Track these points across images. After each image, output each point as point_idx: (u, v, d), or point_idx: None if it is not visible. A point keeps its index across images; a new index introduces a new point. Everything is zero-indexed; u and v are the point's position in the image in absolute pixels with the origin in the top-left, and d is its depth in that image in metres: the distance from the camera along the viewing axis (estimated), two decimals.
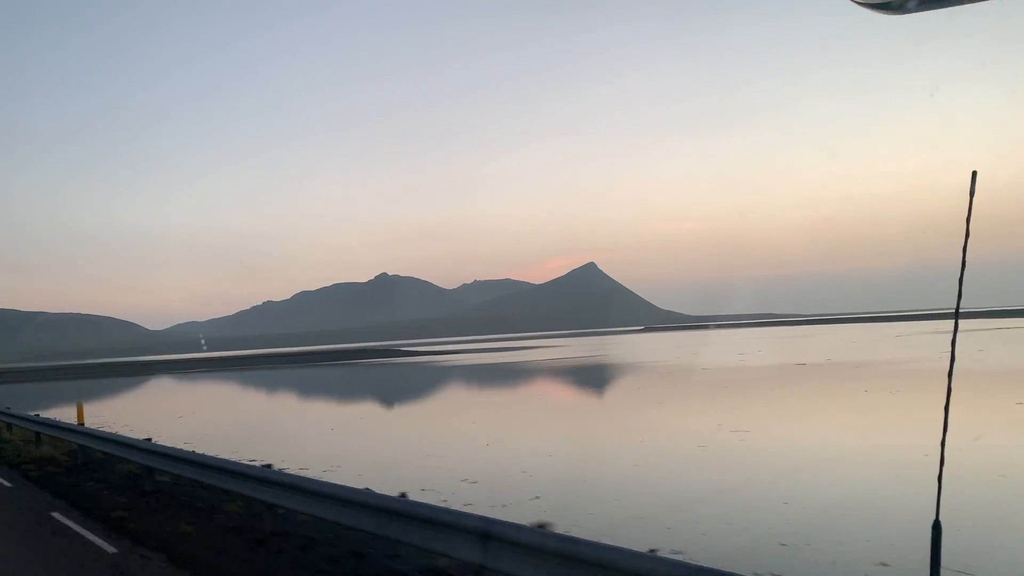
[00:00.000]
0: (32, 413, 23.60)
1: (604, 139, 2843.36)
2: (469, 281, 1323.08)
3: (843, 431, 24.28)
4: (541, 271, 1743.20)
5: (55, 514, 12.76)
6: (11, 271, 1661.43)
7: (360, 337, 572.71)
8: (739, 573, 4.84)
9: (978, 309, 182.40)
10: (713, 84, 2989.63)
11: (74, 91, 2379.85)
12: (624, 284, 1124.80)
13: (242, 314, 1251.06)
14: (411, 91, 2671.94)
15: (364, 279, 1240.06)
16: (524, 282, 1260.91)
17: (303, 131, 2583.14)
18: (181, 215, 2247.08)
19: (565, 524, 9.17)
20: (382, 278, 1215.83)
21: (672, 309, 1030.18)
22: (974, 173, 2.56)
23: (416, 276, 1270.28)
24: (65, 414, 26.65)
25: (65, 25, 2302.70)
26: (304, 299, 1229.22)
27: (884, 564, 10.22)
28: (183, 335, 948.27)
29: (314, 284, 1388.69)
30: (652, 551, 5.82)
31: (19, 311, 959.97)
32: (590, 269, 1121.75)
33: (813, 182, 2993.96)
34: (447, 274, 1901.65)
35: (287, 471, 11.45)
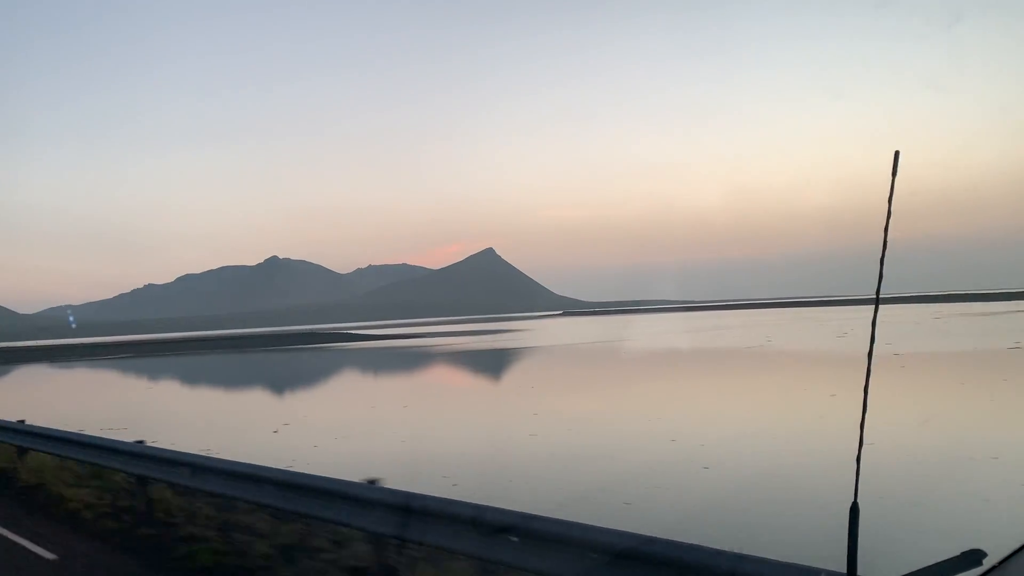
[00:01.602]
0: None
1: (500, 125, 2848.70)
2: (364, 266, 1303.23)
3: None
4: (437, 256, 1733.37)
5: None
6: None
7: (250, 323, 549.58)
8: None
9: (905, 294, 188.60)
10: (607, 69, 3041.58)
11: None
12: (521, 270, 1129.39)
13: (122, 297, 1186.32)
14: (304, 68, 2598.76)
15: (253, 262, 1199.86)
16: (421, 267, 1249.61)
17: (190, 107, 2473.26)
18: (52, 191, 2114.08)
19: None
20: (272, 261, 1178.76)
21: (568, 295, 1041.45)
22: (896, 153, 2.50)
23: (308, 260, 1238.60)
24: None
25: None
26: (188, 282, 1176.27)
27: None
28: (56, 318, 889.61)
29: (199, 267, 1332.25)
30: None
31: None
32: (488, 255, 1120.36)
33: (717, 171, 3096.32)
34: (341, 258, 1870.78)
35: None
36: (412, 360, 67.74)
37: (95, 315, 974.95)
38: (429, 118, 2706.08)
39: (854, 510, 2.83)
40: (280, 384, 49.99)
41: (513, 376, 47.64)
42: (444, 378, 49.89)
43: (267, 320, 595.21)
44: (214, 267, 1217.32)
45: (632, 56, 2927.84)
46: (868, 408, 2.64)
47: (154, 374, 65.08)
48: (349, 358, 75.79)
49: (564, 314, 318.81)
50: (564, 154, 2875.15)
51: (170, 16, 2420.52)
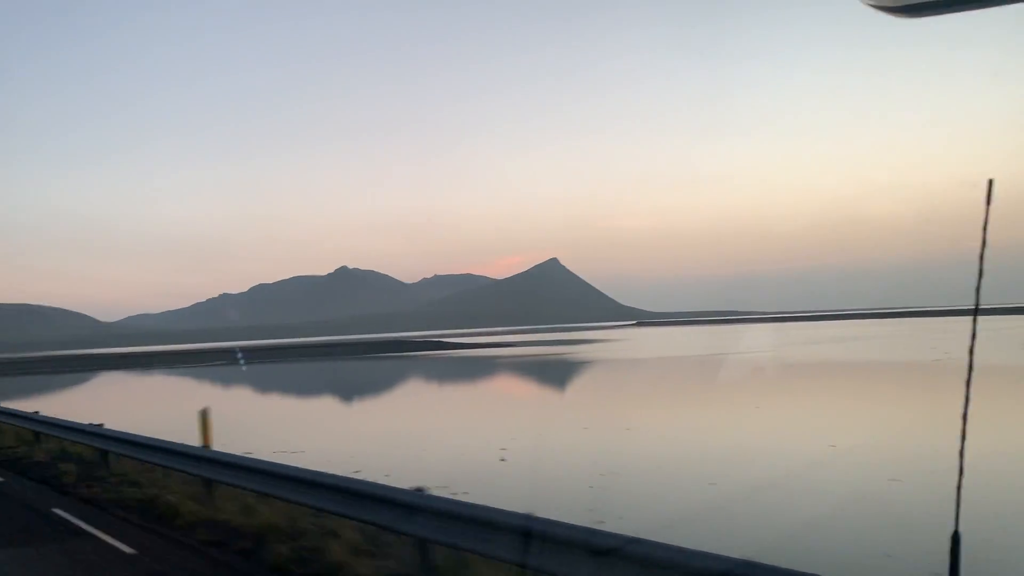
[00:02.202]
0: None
1: (564, 134, 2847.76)
2: (429, 275, 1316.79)
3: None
4: (501, 266, 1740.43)
5: None
6: None
7: (322, 331, 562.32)
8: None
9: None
10: (676, 80, 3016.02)
11: (22, 76, 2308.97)
12: (586, 280, 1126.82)
13: (197, 306, 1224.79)
14: (372, 84, 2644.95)
15: (323, 272, 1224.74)
16: (484, 277, 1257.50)
17: (264, 122, 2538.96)
18: (134, 205, 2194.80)
19: None
20: (342, 271, 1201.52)
21: (634, 306, 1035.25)
22: (990, 181, 2.50)
23: (376, 270, 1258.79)
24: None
25: (15, 8, 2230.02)
26: (262, 292, 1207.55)
27: None
28: (136, 327, 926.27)
29: (272, 277, 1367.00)
30: None
31: None
32: (552, 265, 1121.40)
33: (790, 182, 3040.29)
34: (407, 268, 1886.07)
35: None
36: (537, 370, 65.42)
37: (172, 324, 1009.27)
38: (494, 129, 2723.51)
39: (955, 539, 2.74)
40: (433, 395, 47.89)
41: (663, 389, 43.52)
42: (592, 392, 45.81)
43: (338, 329, 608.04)
44: (286, 277, 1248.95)
45: (696, 61, 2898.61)
46: (970, 430, 2.56)
47: (282, 384, 64.48)
48: (471, 367, 73.70)
49: (638, 324, 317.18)
50: (629, 163, 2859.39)
51: (234, 26, 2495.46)
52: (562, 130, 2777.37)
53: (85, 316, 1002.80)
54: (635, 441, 23.74)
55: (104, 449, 15.89)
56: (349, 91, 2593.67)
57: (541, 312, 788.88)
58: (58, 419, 19.11)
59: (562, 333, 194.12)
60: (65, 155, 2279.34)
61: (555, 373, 62.08)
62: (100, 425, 16.57)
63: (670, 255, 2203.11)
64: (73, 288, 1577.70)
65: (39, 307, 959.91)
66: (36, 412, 20.24)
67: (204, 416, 12.51)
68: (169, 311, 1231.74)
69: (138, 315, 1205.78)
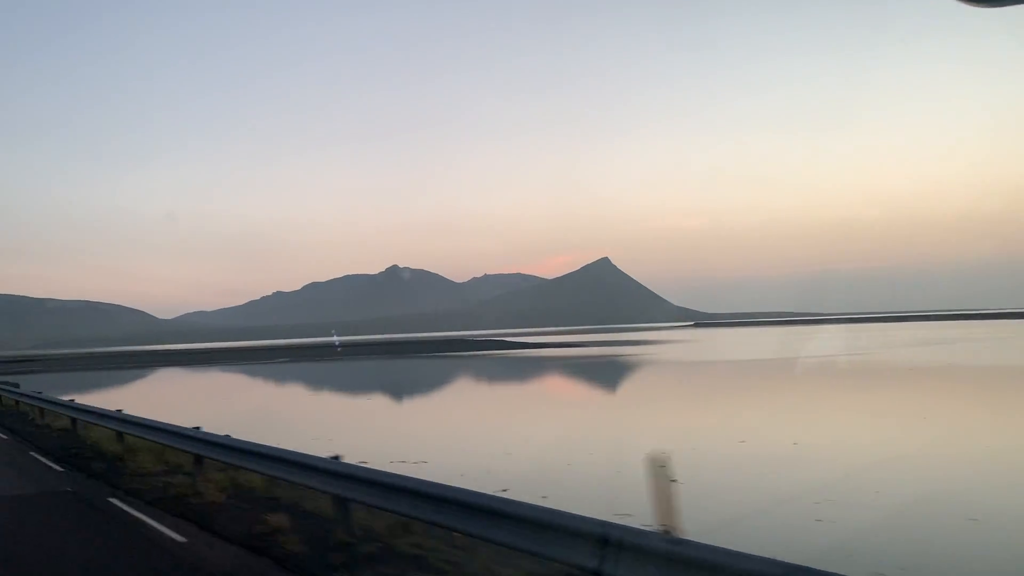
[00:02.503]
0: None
1: (616, 133, 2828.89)
2: (479, 275, 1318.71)
3: None
4: (551, 266, 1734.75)
5: None
6: (20, 257, 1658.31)
7: (375, 330, 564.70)
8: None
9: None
10: (727, 79, 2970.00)
11: (83, 77, 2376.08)
12: (638, 280, 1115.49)
13: (252, 304, 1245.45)
14: (422, 83, 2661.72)
15: (375, 271, 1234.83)
16: (535, 276, 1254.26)
17: (315, 122, 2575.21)
18: (190, 204, 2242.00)
19: None
20: (392, 270, 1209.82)
21: (687, 306, 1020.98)
22: None
23: (426, 269, 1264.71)
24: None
25: (77, 11, 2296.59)
26: (314, 290, 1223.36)
27: None
28: (193, 324, 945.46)
29: (324, 275, 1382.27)
30: None
31: (28, 297, 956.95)
32: (603, 264, 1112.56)
33: (837, 181, 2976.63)
34: (457, 267, 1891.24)
35: None
36: (622, 371, 61.80)
37: (228, 321, 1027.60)
38: (543, 128, 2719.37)
39: None
40: (528, 399, 43.99)
41: (786, 396, 38.34)
42: (704, 398, 40.05)
43: (390, 327, 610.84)
44: (338, 275, 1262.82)
45: (750, 55, 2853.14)
46: None
47: (368, 384, 61.22)
48: (549, 368, 70.30)
49: (696, 325, 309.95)
50: (679, 161, 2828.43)
51: (286, 26, 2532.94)
52: (612, 129, 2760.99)
53: (144, 313, 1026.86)
54: (769, 452, 20.27)
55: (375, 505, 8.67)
56: (400, 90, 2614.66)
57: (592, 312, 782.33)
58: (243, 441, 11.49)
59: (622, 333, 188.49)
60: (124, 156, 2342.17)
61: (649, 376, 57.53)
62: (337, 458, 9.29)
63: (722, 255, 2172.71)
64: (132, 286, 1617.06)
65: (100, 304, 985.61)
66: (198, 428, 13.11)
67: None
68: (224, 309, 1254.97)
69: (194, 312, 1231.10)
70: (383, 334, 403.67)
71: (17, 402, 28.67)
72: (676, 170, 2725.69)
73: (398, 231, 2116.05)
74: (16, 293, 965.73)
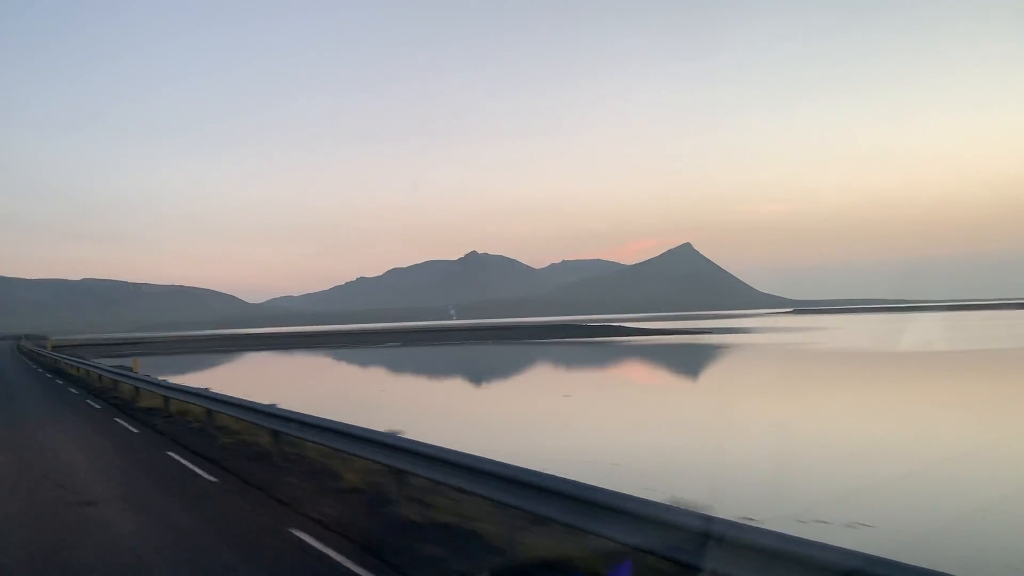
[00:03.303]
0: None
1: (698, 118, 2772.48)
2: (557, 261, 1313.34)
3: None
4: (630, 252, 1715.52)
5: None
6: (118, 245, 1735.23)
7: (458, 315, 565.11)
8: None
9: None
10: (813, 58, 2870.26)
11: (180, 75, 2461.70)
12: (721, 266, 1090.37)
13: (336, 289, 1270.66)
14: (502, 74, 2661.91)
15: (455, 257, 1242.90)
16: (614, 262, 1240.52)
17: (398, 110, 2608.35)
18: (278, 192, 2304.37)
19: None
20: (472, 256, 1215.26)
21: (773, 293, 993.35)
22: None
23: (505, 255, 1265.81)
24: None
25: (187, 12, 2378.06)
26: (396, 276, 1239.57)
27: None
28: (280, 308, 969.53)
29: (406, 261, 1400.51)
30: None
31: (124, 282, 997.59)
32: (686, 250, 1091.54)
33: (925, 163, 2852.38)
34: (536, 253, 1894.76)
35: None
36: (794, 360, 55.86)
37: (313, 306, 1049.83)
38: (621, 113, 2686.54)
39: None
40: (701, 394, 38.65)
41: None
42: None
43: (470, 312, 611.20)
44: (419, 261, 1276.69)
45: (828, 40, 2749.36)
46: None
47: (511, 372, 56.71)
48: (690, 356, 65.97)
49: (795, 312, 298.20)
50: (762, 146, 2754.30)
51: (366, 18, 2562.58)
52: (694, 113, 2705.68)
53: (233, 298, 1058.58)
54: None
55: None
56: (478, 79, 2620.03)
57: (675, 299, 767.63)
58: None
59: (724, 320, 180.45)
60: (214, 146, 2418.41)
61: (830, 366, 51.13)
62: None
63: (809, 240, 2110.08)
64: (222, 271, 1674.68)
65: (192, 289, 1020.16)
66: (391, 431, 10.04)
67: None
68: (309, 294, 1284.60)
69: (281, 297, 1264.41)
70: (467, 319, 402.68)
71: (137, 389, 25.12)
72: (761, 153, 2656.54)
73: (478, 217, 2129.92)
74: (114, 278, 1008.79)
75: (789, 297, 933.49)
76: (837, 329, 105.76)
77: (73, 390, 28.21)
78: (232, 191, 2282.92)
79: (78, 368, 37.92)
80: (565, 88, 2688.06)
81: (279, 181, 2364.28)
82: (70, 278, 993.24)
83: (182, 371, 53.86)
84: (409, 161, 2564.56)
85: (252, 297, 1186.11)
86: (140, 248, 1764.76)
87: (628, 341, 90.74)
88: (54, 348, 66.60)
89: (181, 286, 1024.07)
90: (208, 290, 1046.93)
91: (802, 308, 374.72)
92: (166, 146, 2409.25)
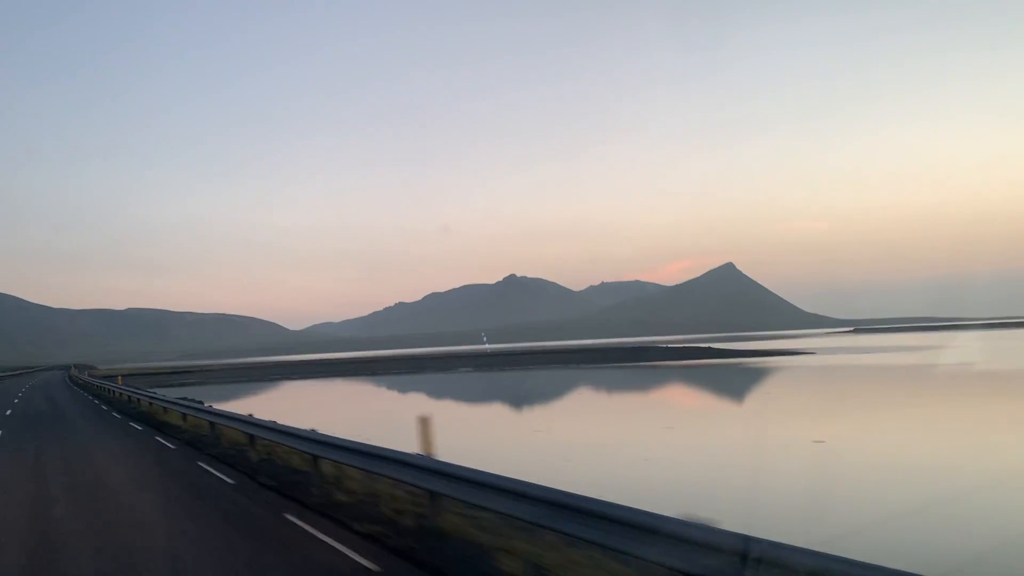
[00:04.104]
0: None
1: (728, 138, 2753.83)
2: (596, 283, 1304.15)
3: None
4: (669, 272, 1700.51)
5: None
6: (162, 274, 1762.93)
7: (499, 339, 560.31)
8: None
9: None
10: (848, 74, 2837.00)
11: (218, 100, 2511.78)
12: (764, 285, 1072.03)
13: (375, 314, 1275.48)
14: (539, 94, 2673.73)
15: (492, 280, 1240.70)
16: (654, 284, 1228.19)
17: (433, 134, 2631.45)
18: (316, 219, 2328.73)
19: None
20: (510, 279, 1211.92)
21: (818, 312, 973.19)
22: None
23: (544, 277, 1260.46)
24: None
25: (204, 39, 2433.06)
26: (434, 300, 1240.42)
27: None
28: (321, 335, 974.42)
29: (444, 285, 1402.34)
30: None
31: (168, 311, 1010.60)
32: (728, 270, 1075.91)
33: (963, 177, 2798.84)
34: (574, 276, 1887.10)
35: None
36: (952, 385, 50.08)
37: (354, 331, 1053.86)
38: (658, 132, 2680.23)
39: None
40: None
41: None
42: None
43: (509, 336, 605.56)
44: (457, 285, 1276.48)
45: (872, 52, 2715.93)
46: None
47: (614, 403, 50.86)
48: (843, 378, 59.63)
49: (855, 331, 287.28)
50: (802, 163, 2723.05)
51: (398, 41, 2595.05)
52: (731, 131, 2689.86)
53: (274, 324, 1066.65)
54: None
55: None
56: (517, 104, 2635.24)
57: (719, 319, 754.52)
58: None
59: (796, 341, 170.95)
60: (254, 176, 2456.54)
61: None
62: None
63: (846, 258, 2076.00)
64: (262, 299, 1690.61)
65: (233, 316, 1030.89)
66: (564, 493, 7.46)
67: None
68: (348, 320, 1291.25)
69: (321, 323, 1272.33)
70: (508, 343, 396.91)
71: (212, 424, 20.88)
72: (797, 172, 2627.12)
73: (516, 240, 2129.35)
74: (158, 307, 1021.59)
75: (834, 316, 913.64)
76: (950, 348, 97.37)
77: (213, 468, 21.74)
78: (271, 219, 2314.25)
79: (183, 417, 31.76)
80: (602, 110, 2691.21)
81: (317, 208, 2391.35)
82: (114, 307, 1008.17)
83: (264, 404, 47.85)
84: (446, 186, 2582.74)
85: (292, 324, 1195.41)
86: (183, 277, 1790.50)
87: (732, 364, 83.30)
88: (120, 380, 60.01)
89: (223, 313, 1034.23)
90: (249, 317, 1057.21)
91: (861, 328, 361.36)
92: (206, 175, 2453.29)
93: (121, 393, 40.49)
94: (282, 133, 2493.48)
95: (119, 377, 56.39)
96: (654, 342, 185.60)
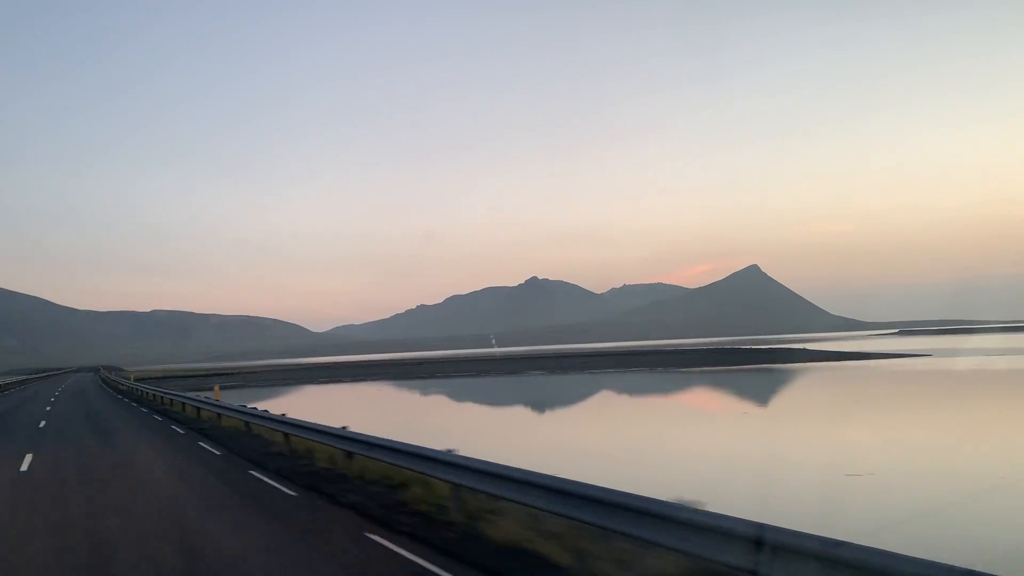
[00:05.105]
0: None
1: (750, 139, 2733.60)
2: (618, 285, 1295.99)
3: None
4: (691, 275, 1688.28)
5: None
6: (187, 276, 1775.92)
7: (517, 341, 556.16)
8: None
9: None
10: (861, 75, 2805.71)
11: (239, 109, 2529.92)
12: (790, 287, 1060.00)
13: (397, 317, 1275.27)
14: (560, 95, 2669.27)
15: (514, 283, 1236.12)
16: (676, 286, 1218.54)
17: (453, 137, 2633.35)
18: (338, 222, 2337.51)
19: None
20: (532, 282, 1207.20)
21: (846, 315, 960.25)
22: None
23: (566, 280, 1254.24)
24: None
25: (242, 42, 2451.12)
26: (456, 303, 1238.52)
27: None
28: (344, 337, 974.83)
29: (465, 288, 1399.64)
30: None
31: (193, 313, 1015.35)
32: (752, 272, 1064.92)
33: (993, 180, 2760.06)
34: (596, 278, 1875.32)
35: None
36: None
37: (376, 333, 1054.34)
38: (675, 136, 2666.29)
39: None
40: None
41: None
42: None
43: (531, 339, 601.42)
44: (478, 288, 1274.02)
45: (897, 54, 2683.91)
46: None
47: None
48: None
49: (900, 333, 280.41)
50: (827, 165, 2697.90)
51: (448, 51, 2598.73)
52: (753, 131, 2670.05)
53: (298, 326, 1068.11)
54: None
55: None
56: (539, 105, 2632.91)
57: (745, 322, 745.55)
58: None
59: (847, 343, 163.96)
60: (274, 179, 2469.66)
61: None
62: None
63: (870, 261, 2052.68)
64: (286, 301, 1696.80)
65: (257, 318, 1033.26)
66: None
67: None
68: (371, 322, 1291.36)
69: (344, 326, 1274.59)
70: (531, 346, 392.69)
71: (287, 435, 18.18)
72: (822, 174, 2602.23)
73: (537, 243, 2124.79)
74: (183, 309, 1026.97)
75: (862, 320, 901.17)
76: None
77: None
78: (294, 223, 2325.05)
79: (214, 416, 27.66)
80: (624, 111, 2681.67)
81: (338, 212, 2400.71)
82: (140, 310, 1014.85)
83: (317, 409, 43.73)
84: (468, 189, 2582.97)
85: (316, 326, 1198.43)
86: (207, 280, 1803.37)
87: (858, 366, 77.26)
88: (158, 381, 55.96)
89: (247, 316, 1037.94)
90: (273, 319, 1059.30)
91: (907, 330, 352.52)
92: (227, 181, 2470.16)
93: (203, 410, 29.16)
94: (306, 138, 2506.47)
95: (215, 388, 40.20)
96: (733, 343, 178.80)
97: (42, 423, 29.71)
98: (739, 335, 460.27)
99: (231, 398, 38.42)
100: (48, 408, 39.12)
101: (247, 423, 22.69)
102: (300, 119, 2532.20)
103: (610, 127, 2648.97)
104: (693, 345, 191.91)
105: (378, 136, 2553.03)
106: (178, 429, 25.23)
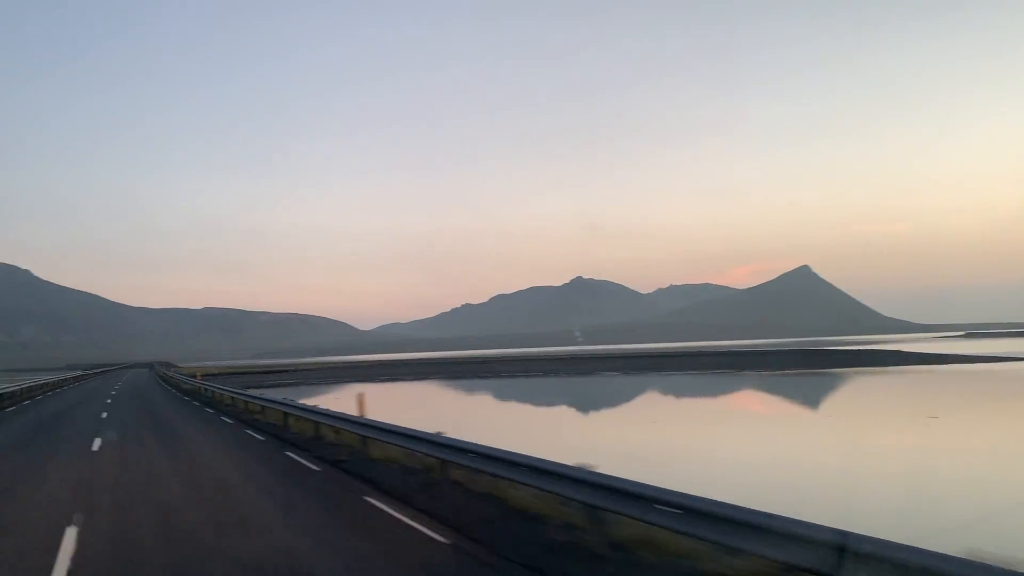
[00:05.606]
0: None
1: (799, 139, 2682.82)
2: (665, 285, 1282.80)
3: None
4: (738, 275, 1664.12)
5: None
6: (238, 275, 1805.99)
7: (560, 341, 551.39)
8: None
9: None
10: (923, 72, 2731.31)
11: (284, 109, 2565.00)
12: (842, 289, 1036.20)
13: (442, 316, 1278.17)
14: (608, 97, 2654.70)
15: (559, 283, 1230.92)
16: (724, 287, 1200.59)
17: (501, 136, 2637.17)
18: (384, 221, 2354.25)
19: None
20: (577, 281, 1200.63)
21: (901, 317, 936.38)
22: None
23: (611, 280, 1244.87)
24: None
25: (273, 50, 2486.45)
26: (501, 302, 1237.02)
27: None
28: (390, 335, 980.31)
29: (510, 287, 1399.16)
30: None
31: (244, 311, 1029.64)
32: (803, 273, 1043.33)
33: None
34: (642, 278, 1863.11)
35: None
36: None
37: (422, 332, 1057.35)
38: (725, 134, 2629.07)
39: None
40: None
41: None
42: None
43: (583, 338, 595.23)
44: (523, 287, 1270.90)
45: (953, 51, 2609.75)
46: None
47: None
48: None
49: (966, 336, 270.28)
50: (879, 163, 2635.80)
51: (500, 51, 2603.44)
52: (802, 132, 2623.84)
53: (345, 324, 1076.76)
54: None
55: None
56: (587, 105, 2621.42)
57: (796, 324, 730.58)
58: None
59: (915, 345, 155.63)
60: (325, 178, 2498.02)
61: None
62: None
63: (924, 262, 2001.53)
64: (333, 300, 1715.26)
65: (305, 316, 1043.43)
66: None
67: None
68: (416, 320, 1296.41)
69: (390, 324, 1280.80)
70: (567, 346, 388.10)
71: (364, 438, 16.46)
72: (875, 173, 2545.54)
73: (583, 242, 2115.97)
74: (234, 307, 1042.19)
75: (917, 322, 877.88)
76: None
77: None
78: (340, 222, 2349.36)
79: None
80: (667, 112, 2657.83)
81: (383, 210, 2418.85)
82: (191, 307, 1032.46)
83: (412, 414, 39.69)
84: (512, 189, 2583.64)
85: (362, 324, 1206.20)
86: (257, 278, 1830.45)
87: (942, 369, 72.01)
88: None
89: (296, 313, 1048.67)
90: (321, 317, 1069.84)
91: (972, 332, 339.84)
92: (281, 181, 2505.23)
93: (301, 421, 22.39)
94: (360, 144, 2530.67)
95: (360, 398, 27.88)
96: (811, 344, 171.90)
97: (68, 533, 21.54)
98: (795, 336, 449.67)
99: (289, 396, 31.96)
100: (99, 425, 26.69)
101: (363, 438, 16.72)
102: (352, 120, 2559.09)
103: (656, 128, 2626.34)
104: (770, 346, 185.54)
105: (424, 139, 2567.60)
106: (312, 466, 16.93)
